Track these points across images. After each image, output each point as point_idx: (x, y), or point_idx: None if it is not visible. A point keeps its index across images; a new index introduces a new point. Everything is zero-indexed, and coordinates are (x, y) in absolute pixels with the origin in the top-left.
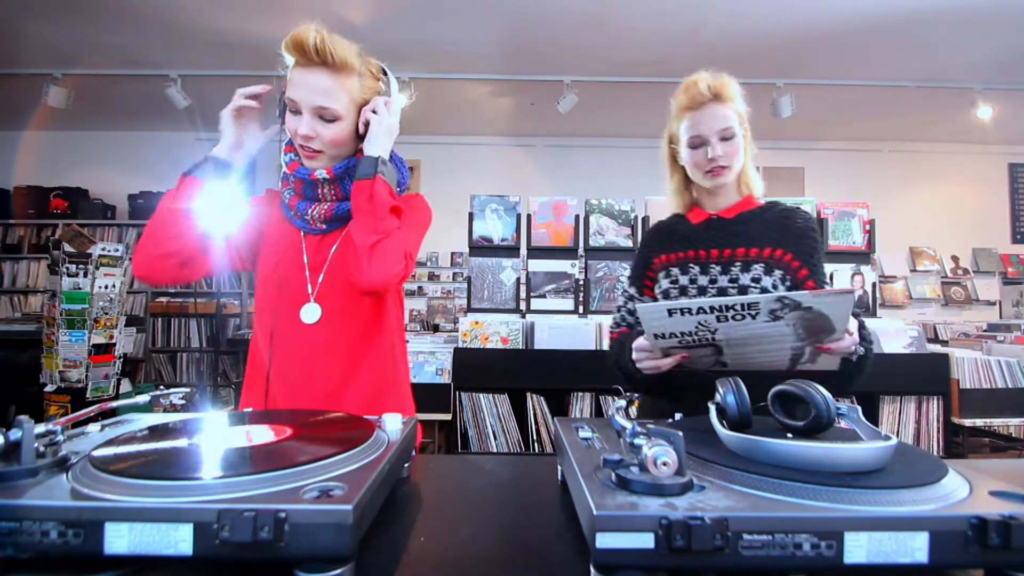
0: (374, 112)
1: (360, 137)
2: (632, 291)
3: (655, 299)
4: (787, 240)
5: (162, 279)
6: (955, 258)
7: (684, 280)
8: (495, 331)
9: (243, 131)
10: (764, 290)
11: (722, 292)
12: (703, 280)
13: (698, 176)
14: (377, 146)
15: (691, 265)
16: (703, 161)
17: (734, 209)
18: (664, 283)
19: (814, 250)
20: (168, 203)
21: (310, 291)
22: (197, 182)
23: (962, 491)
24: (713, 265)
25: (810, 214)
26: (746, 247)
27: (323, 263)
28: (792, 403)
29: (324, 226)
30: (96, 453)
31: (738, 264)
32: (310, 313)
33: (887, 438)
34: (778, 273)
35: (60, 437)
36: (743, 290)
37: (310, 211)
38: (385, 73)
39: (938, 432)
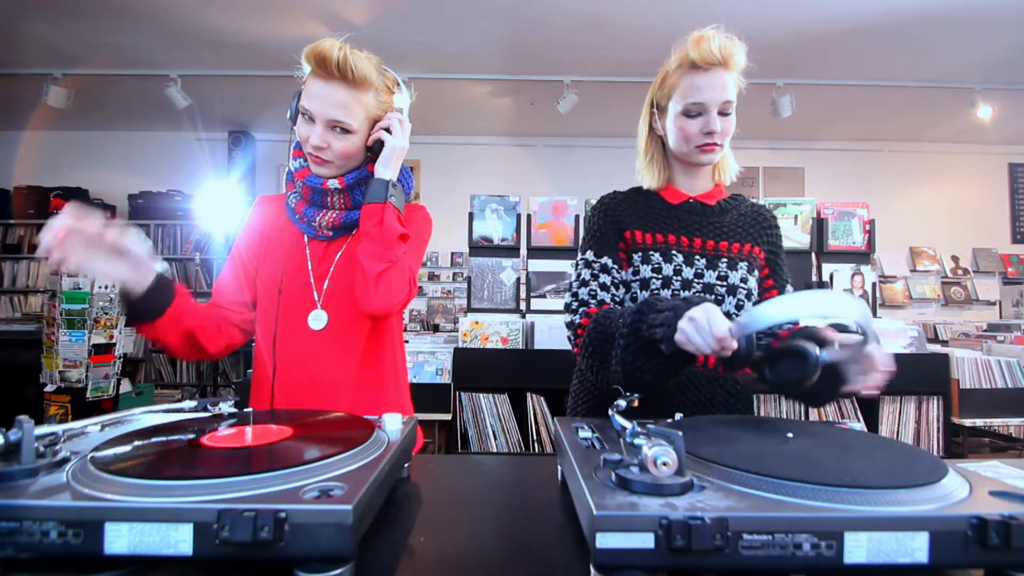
0: (388, 131)
1: (368, 148)
2: (605, 261)
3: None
4: (761, 237)
5: (239, 345)
6: (955, 258)
7: (668, 269)
8: (495, 331)
9: (116, 259)
10: (750, 292)
11: (708, 289)
12: (688, 273)
13: (685, 149)
14: (389, 168)
15: (674, 252)
16: (696, 133)
17: (712, 196)
18: (644, 269)
19: (781, 249)
20: (161, 343)
21: (316, 298)
22: (148, 324)
23: (962, 491)
24: (698, 257)
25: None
26: (729, 241)
27: (328, 270)
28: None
29: (331, 233)
30: (96, 453)
31: (724, 260)
32: (317, 319)
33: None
34: (756, 274)
35: (60, 437)
36: (732, 289)
37: (318, 218)
38: (399, 84)
39: (938, 432)
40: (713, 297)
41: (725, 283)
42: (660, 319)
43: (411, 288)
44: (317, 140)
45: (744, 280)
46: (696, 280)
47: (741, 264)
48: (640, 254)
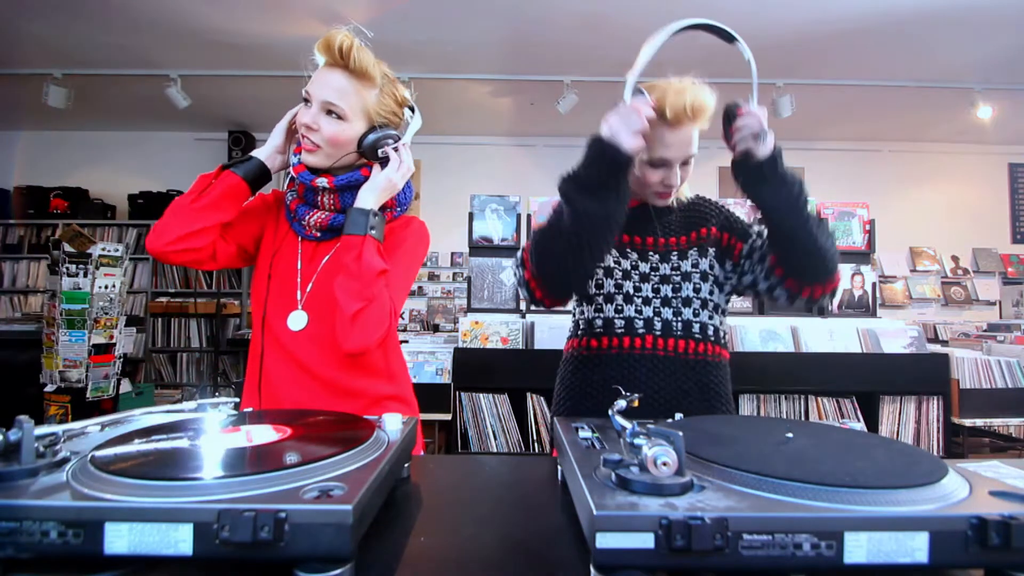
0: (395, 151)
1: (360, 150)
2: None
3: None
4: (708, 220)
5: (177, 260)
6: (955, 258)
7: (626, 264)
8: (495, 331)
9: (288, 143)
10: (704, 274)
11: (665, 279)
12: (644, 267)
13: (641, 191)
14: (374, 196)
15: (628, 251)
16: (655, 183)
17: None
18: (607, 259)
19: (731, 215)
20: (201, 189)
21: (299, 298)
22: (234, 177)
23: (962, 491)
24: (651, 252)
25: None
26: (677, 236)
27: (313, 273)
28: None
29: (319, 234)
30: (96, 453)
31: (675, 253)
32: (297, 320)
33: None
34: (711, 251)
35: (60, 437)
36: (687, 276)
37: (307, 217)
38: (412, 109)
39: (938, 432)
40: (670, 285)
41: (679, 272)
42: (587, 153)
43: (391, 322)
44: (308, 119)
45: (695, 264)
46: (653, 273)
47: (691, 251)
48: None
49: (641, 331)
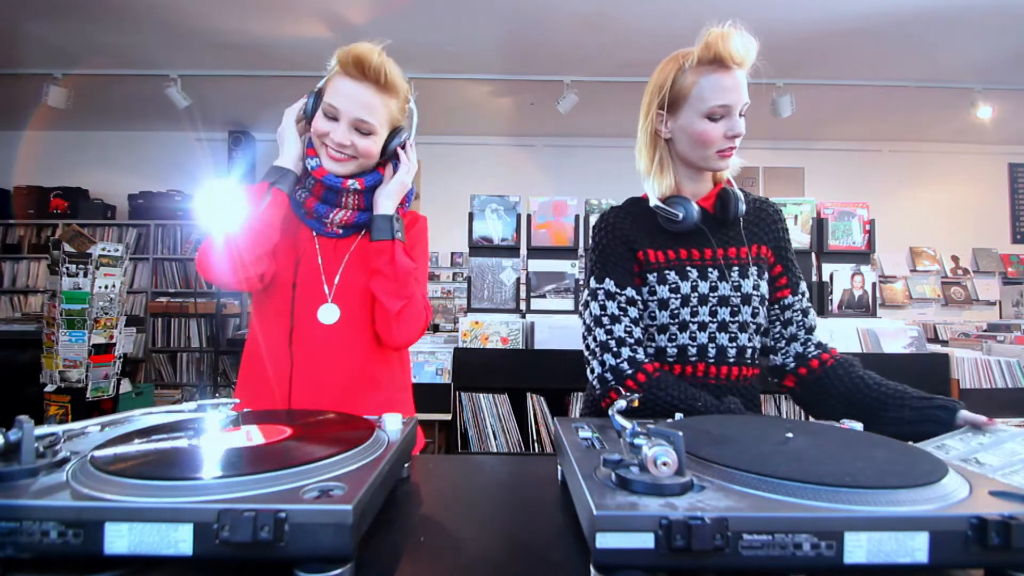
0: (404, 151)
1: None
2: (630, 292)
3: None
4: (766, 234)
5: (247, 287)
6: (955, 258)
7: (686, 287)
8: (495, 331)
9: (301, 142)
10: (763, 297)
11: (724, 301)
12: (703, 287)
13: (703, 154)
14: (391, 200)
15: (688, 268)
16: (719, 137)
17: (711, 198)
18: (661, 290)
19: (788, 243)
20: (260, 213)
21: (327, 292)
22: (282, 195)
23: (962, 491)
24: (710, 268)
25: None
26: (737, 246)
27: (339, 266)
28: None
29: (341, 231)
30: (96, 453)
31: (736, 268)
32: (329, 314)
33: None
34: (766, 275)
35: (60, 437)
36: (746, 299)
37: (330, 215)
38: (409, 98)
39: None
40: (728, 308)
41: (739, 293)
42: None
43: (428, 314)
44: (340, 138)
45: (756, 287)
46: (711, 294)
47: (751, 270)
48: (655, 274)
49: (693, 359)
